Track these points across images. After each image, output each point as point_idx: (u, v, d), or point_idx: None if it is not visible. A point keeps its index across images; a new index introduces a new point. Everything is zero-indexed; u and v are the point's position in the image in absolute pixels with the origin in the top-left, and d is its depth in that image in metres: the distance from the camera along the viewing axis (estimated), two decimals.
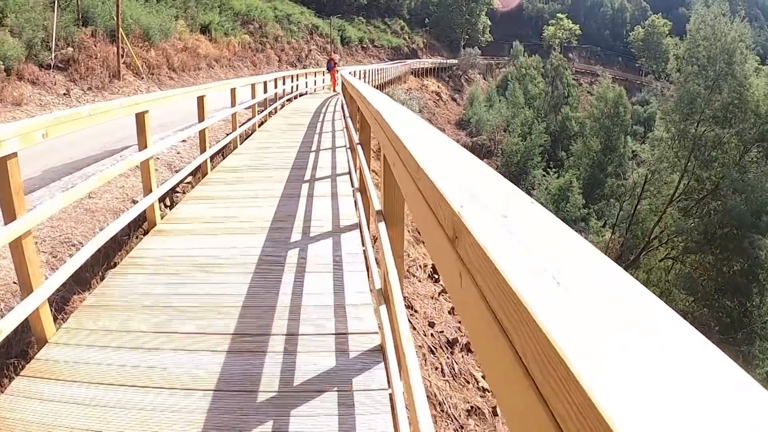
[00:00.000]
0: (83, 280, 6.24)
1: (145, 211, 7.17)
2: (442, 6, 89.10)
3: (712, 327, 27.23)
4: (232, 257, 6.17)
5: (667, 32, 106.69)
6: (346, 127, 11.37)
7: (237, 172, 10.90)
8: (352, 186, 8.92)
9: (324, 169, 11.00)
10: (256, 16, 43.51)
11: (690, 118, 28.98)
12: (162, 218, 7.63)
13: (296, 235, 6.87)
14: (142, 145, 7.06)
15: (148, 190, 7.24)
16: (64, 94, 18.63)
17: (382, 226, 3.87)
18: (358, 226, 7.00)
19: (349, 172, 9.85)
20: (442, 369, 8.48)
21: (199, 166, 10.26)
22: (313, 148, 13.74)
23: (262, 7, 45.55)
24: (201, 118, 10.36)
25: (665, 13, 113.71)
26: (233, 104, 13.23)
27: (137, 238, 7.28)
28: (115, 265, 6.44)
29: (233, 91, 13.35)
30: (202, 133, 10.42)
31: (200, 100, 10.36)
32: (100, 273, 6.42)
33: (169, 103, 8.94)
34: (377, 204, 4.36)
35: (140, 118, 6.95)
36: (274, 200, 8.52)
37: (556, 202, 39.94)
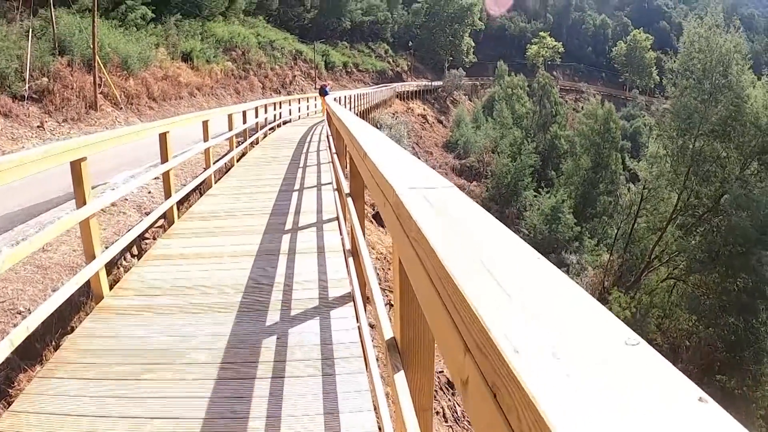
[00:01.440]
0: (33, 353, 5.35)
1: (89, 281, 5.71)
2: (426, 28, 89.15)
3: (717, 346, 26.53)
4: (190, 352, 4.65)
5: (649, 46, 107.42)
6: (334, 168, 9.34)
7: (208, 220, 9.32)
8: (342, 243, 7.08)
9: (308, 214, 9.41)
10: (238, 42, 42.80)
11: (688, 133, 28.30)
12: (111, 288, 6.14)
13: (273, 315, 5.28)
14: (80, 200, 5.62)
15: (90, 256, 5.73)
16: (38, 126, 17.78)
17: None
18: (351, 298, 5.48)
19: (338, 219, 8.00)
20: (443, 413, 7.64)
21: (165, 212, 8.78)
22: (296, 186, 12.25)
23: (245, 34, 44.91)
24: (164, 158, 8.74)
25: (646, 27, 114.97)
26: (206, 138, 11.85)
27: (82, 311, 5.97)
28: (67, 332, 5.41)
29: (205, 124, 11.87)
30: (165, 175, 8.88)
31: (162, 137, 8.68)
32: (53, 342, 5.52)
33: (117, 143, 7.10)
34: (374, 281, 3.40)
35: (76, 168, 5.52)
36: (249, 259, 6.97)
37: (549, 222, 39.20)
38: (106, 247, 6.39)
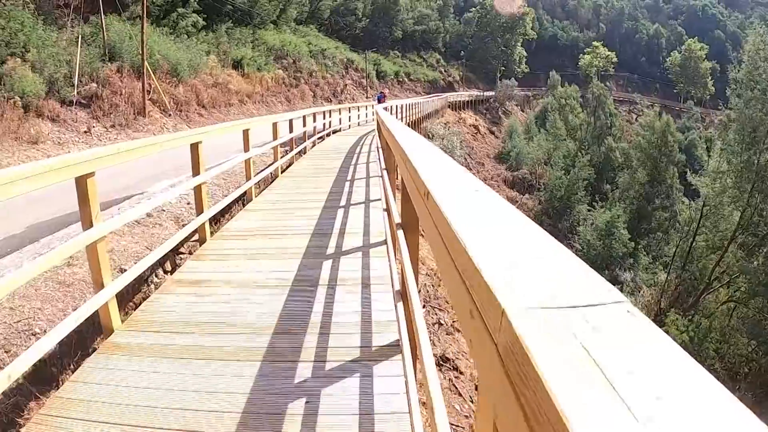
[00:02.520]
0: (47, 378, 4.84)
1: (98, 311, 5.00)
2: (478, 38, 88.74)
3: None
4: (197, 417, 3.81)
5: (704, 56, 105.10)
6: (383, 186, 8.09)
7: (243, 239, 8.50)
8: (391, 276, 5.71)
9: (354, 236, 8.38)
10: (290, 51, 42.74)
11: (753, 147, 26.94)
12: (123, 322, 5.38)
13: (304, 369, 4.41)
14: (86, 221, 4.91)
15: (98, 284, 5.05)
16: (85, 131, 17.67)
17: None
18: (400, 349, 4.43)
19: (386, 243, 6.75)
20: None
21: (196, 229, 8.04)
22: (342, 202, 11.22)
23: (296, 42, 44.87)
24: (196, 171, 8.02)
25: (701, 36, 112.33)
26: (246, 149, 10.99)
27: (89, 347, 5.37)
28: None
29: (246, 133, 10.99)
30: (197, 189, 8.11)
31: (194, 148, 7.93)
32: (71, 365, 5.00)
33: (133, 157, 6.06)
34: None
35: (82, 184, 4.80)
36: (283, 291, 6.09)
37: (603, 238, 38.01)
38: (123, 270, 5.74)
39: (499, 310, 0.91)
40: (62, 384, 4.35)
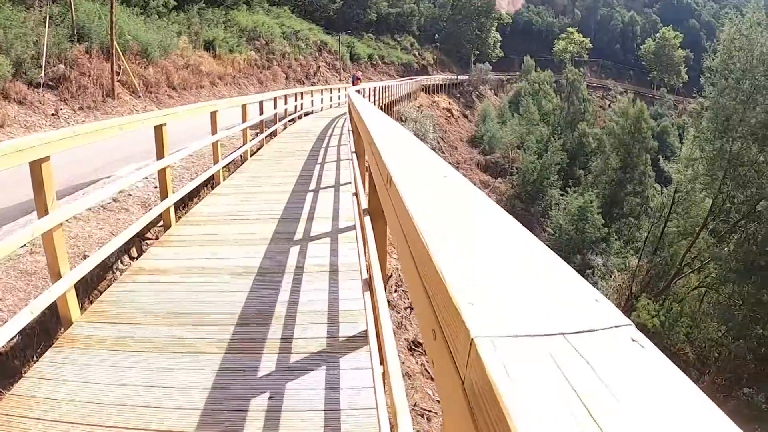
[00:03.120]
0: (8, 371, 4.69)
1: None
2: (452, 22, 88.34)
3: (747, 359, 25.55)
4: (156, 413, 3.63)
5: (678, 45, 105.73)
6: (353, 171, 7.35)
7: (209, 224, 8.22)
8: (360, 264, 5.31)
9: (323, 221, 8.24)
10: (262, 32, 42.18)
11: (725, 135, 27.10)
12: (83, 309, 5.25)
13: (268, 363, 4.23)
14: (41, 209, 4.67)
15: (55, 274, 4.86)
16: (53, 114, 17.24)
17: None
18: (368, 340, 4.11)
19: (356, 229, 6.34)
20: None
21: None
22: (312, 185, 11.04)
23: (269, 24, 44.31)
24: (160, 154, 7.76)
25: (676, 25, 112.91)
26: (214, 131, 10.67)
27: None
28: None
29: (213, 115, 10.66)
30: (161, 174, 7.90)
31: (158, 130, 7.69)
32: (35, 357, 4.85)
33: (92, 140, 5.81)
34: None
35: (36, 170, 4.58)
36: (248, 279, 5.90)
37: (576, 222, 38.24)
38: (86, 257, 5.55)
39: (468, 338, 0.76)
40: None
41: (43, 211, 4.63)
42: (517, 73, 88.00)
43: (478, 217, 1.37)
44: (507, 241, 1.19)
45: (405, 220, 1.43)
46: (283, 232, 7.66)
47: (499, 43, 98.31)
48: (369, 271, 3.76)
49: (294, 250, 6.86)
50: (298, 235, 7.55)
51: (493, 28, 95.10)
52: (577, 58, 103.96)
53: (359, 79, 38.26)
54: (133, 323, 4.90)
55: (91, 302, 5.92)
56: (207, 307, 5.24)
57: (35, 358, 4.82)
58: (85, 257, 6.74)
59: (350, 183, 10.00)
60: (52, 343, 4.69)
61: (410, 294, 1.41)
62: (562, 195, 44.40)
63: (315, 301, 5.34)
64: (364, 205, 4.48)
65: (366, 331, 4.23)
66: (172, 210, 8.04)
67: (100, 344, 4.53)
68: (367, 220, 4.10)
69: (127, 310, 5.17)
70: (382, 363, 3.27)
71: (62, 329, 4.91)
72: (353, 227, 7.27)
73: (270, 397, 3.77)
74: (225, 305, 5.25)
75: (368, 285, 3.97)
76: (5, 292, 5.64)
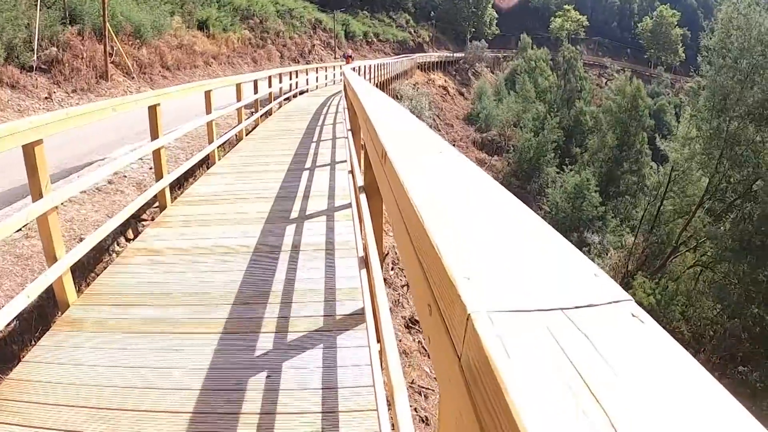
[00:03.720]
0: (7, 356, 4.68)
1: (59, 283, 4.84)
2: None
3: (742, 337, 25.66)
4: (156, 395, 3.65)
5: (676, 23, 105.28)
6: (349, 149, 7.46)
7: (205, 204, 8.23)
8: (356, 241, 5.24)
9: (319, 199, 8.24)
10: (256, 10, 41.88)
11: (722, 114, 27.01)
12: (80, 295, 5.19)
13: (266, 341, 4.26)
14: (35, 192, 4.68)
15: (51, 257, 4.84)
16: (46, 97, 17.13)
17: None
18: (365, 318, 4.07)
19: (351, 206, 6.82)
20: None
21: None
22: (308, 164, 10.96)
23: (263, 2, 44.00)
24: (154, 135, 7.69)
25: (673, 3, 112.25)
26: (208, 111, 10.61)
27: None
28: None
29: (208, 94, 10.56)
30: (156, 154, 7.86)
31: (152, 111, 7.61)
32: (32, 341, 4.84)
33: (85, 122, 5.72)
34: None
35: (29, 153, 4.55)
36: (244, 258, 5.92)
37: (572, 200, 38.24)
38: (82, 240, 5.53)
39: (465, 313, 0.74)
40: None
41: (37, 195, 4.61)
42: (514, 50, 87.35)
43: (475, 192, 1.35)
44: (504, 216, 1.17)
45: (400, 195, 1.41)
46: (279, 211, 7.65)
47: (496, 21, 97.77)
48: (365, 248, 3.74)
49: (290, 229, 6.85)
50: (294, 214, 7.54)
51: (490, 6, 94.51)
52: (573, 36, 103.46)
53: (351, 57, 38.18)
54: (130, 305, 4.90)
55: (88, 285, 5.90)
56: (204, 286, 5.24)
57: (33, 342, 4.82)
58: (81, 240, 6.73)
59: (346, 161, 9.97)
60: (50, 327, 4.69)
61: (406, 270, 1.39)
62: (558, 173, 44.32)
63: (312, 279, 5.33)
64: (360, 182, 4.45)
65: (363, 308, 4.22)
66: (167, 190, 8.03)
67: (97, 327, 4.53)
68: (362, 197, 4.06)
69: (124, 292, 5.16)
70: (379, 341, 3.27)
71: (59, 312, 4.91)
72: (349, 205, 7.29)
73: (267, 376, 3.77)
74: (222, 285, 5.25)
75: (365, 263, 3.96)
76: (1, 276, 5.62)
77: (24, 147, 4.49)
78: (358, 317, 4.52)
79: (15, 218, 4.32)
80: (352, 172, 6.07)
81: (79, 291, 5.31)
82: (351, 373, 3.79)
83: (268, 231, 6.78)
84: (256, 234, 6.67)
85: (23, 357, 4.26)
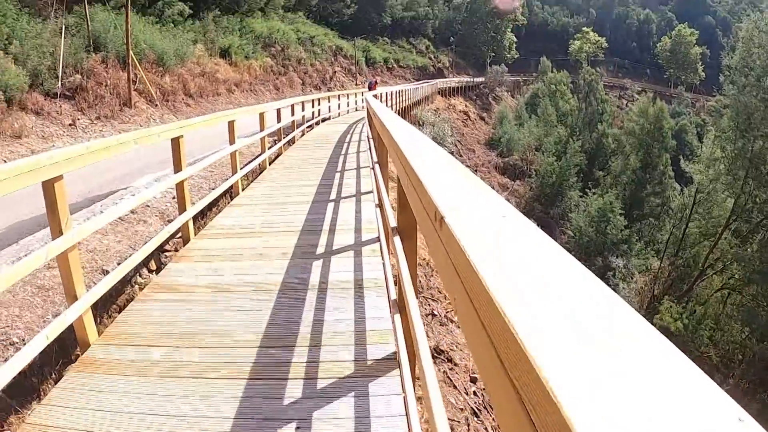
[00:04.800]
0: (27, 388, 4.57)
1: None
2: (467, 24, 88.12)
3: None
4: None
5: (695, 42, 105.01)
6: (375, 183, 7.50)
7: (228, 237, 8.07)
8: (386, 278, 5.31)
9: (345, 234, 7.91)
10: (278, 38, 42.21)
11: (747, 134, 26.72)
12: (101, 326, 5.24)
13: (293, 388, 4.04)
14: (55, 230, 4.54)
15: (71, 296, 4.71)
16: (70, 124, 17.26)
17: None
18: (397, 363, 4.17)
19: (379, 240, 6.79)
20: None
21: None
22: (333, 195, 10.74)
23: (284, 30, 44.31)
24: (177, 167, 7.64)
25: (691, 21, 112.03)
26: (231, 141, 10.49)
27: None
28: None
29: (231, 124, 10.51)
30: (179, 186, 7.78)
31: (175, 143, 7.54)
32: (53, 374, 4.71)
33: (103, 157, 5.47)
34: None
35: (49, 189, 4.42)
36: (269, 297, 5.67)
37: (596, 224, 37.77)
38: (105, 272, 5.40)
39: None
40: (43, 396, 4.08)
41: (57, 232, 4.49)
42: (533, 74, 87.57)
43: (558, 275, 1.10)
44: (610, 322, 0.86)
45: (468, 274, 1.17)
46: (305, 246, 7.46)
47: (515, 45, 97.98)
48: (401, 290, 3.54)
49: (316, 265, 6.64)
50: (320, 249, 7.31)
51: (509, 30, 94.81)
52: (593, 58, 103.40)
53: (377, 83, 38.03)
54: (151, 345, 4.73)
55: (110, 317, 5.80)
56: (228, 327, 5.05)
57: (53, 375, 4.71)
58: (103, 271, 6.63)
59: (371, 191, 9.82)
60: (70, 360, 4.57)
61: (481, 373, 1.11)
62: (581, 197, 43.92)
63: (340, 321, 5.13)
64: (392, 221, 4.24)
65: (395, 353, 4.07)
66: (190, 223, 7.91)
67: (117, 369, 4.37)
68: (396, 239, 3.81)
69: (145, 332, 5.00)
70: (415, 387, 3.11)
71: (80, 351, 4.77)
72: (376, 239, 7.11)
73: (297, 428, 3.58)
74: (246, 325, 5.06)
75: (398, 306, 3.78)
76: (22, 308, 5.53)
77: (44, 183, 4.36)
78: (389, 362, 4.30)
79: (34, 256, 4.17)
80: (380, 206, 5.91)
81: (100, 322, 5.20)
82: (384, 423, 3.58)
83: (294, 267, 6.58)
84: (282, 270, 6.47)
85: (42, 390, 4.14)
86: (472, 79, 78.90)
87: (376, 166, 7.81)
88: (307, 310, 5.32)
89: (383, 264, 5.60)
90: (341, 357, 4.43)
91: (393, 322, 3.96)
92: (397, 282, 3.83)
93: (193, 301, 5.70)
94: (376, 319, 5.06)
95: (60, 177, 4.45)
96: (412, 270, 3.57)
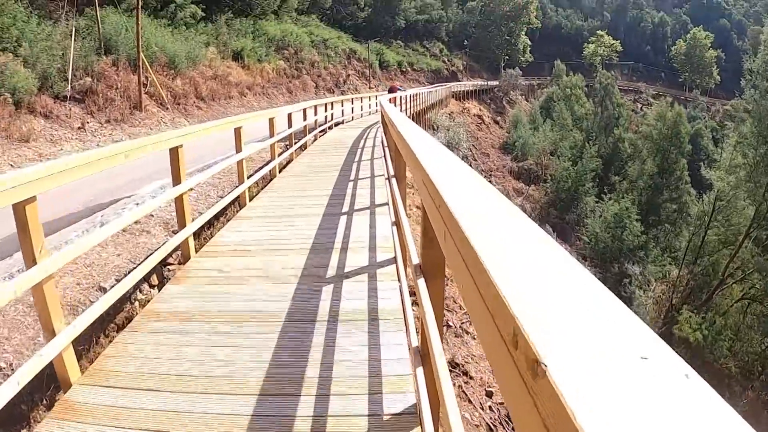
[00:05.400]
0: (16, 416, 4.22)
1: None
2: (481, 27, 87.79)
3: None
4: None
5: (709, 45, 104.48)
6: (392, 201, 6.89)
7: (231, 256, 7.46)
8: (403, 305, 5.03)
9: (358, 253, 7.30)
10: (291, 41, 42.01)
11: None
12: (83, 372, 4.45)
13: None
14: (29, 258, 4.07)
15: (49, 331, 4.18)
16: (79, 128, 17.01)
17: None
18: (418, 419, 3.65)
19: (395, 262, 6.33)
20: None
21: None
22: (345, 207, 10.12)
23: (297, 32, 44.12)
24: (176, 180, 7.00)
25: (706, 25, 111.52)
26: (238, 149, 9.91)
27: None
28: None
29: (238, 131, 9.84)
30: (178, 200, 7.14)
31: (174, 153, 6.95)
32: (44, 401, 4.35)
33: (81, 174, 4.73)
34: None
35: (20, 213, 3.95)
36: (274, 329, 5.13)
37: (612, 229, 37.26)
38: (102, 288, 4.91)
39: None
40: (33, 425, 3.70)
41: (30, 261, 3.99)
42: (548, 77, 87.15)
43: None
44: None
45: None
46: (314, 267, 6.86)
47: (529, 48, 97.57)
48: (425, 338, 3.04)
49: (326, 291, 6.06)
50: (331, 271, 6.71)
51: (523, 33, 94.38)
52: (607, 62, 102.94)
53: (396, 89, 37.46)
54: (138, 389, 4.19)
55: (108, 336, 5.41)
56: (226, 367, 4.50)
57: (44, 401, 4.36)
58: (100, 288, 6.25)
59: (386, 204, 9.32)
60: (59, 388, 4.15)
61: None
62: (597, 202, 43.38)
63: (353, 362, 4.55)
64: (415, 258, 3.70)
65: (415, 405, 3.58)
66: (191, 240, 7.31)
67: (100, 415, 3.84)
68: (420, 282, 3.23)
69: (133, 371, 4.45)
70: None
71: (61, 393, 4.27)
72: (392, 260, 6.56)
73: None
74: (247, 366, 4.51)
75: (420, 356, 3.30)
76: (11, 329, 5.18)
77: (14, 206, 3.88)
78: (410, 418, 3.71)
79: (1, 291, 3.67)
80: (397, 224, 5.42)
81: (96, 344, 4.79)
82: None
83: (302, 292, 6.03)
84: (288, 296, 5.92)
85: (32, 418, 3.73)
86: (486, 83, 78.73)
87: (393, 180, 7.22)
88: (315, 348, 4.77)
89: (400, 290, 5.09)
90: (354, 410, 3.87)
91: (414, 374, 3.43)
92: (420, 329, 3.36)
93: (188, 333, 5.14)
94: (393, 361, 4.48)
95: (33, 198, 3.96)
96: (438, 315, 3.04)
